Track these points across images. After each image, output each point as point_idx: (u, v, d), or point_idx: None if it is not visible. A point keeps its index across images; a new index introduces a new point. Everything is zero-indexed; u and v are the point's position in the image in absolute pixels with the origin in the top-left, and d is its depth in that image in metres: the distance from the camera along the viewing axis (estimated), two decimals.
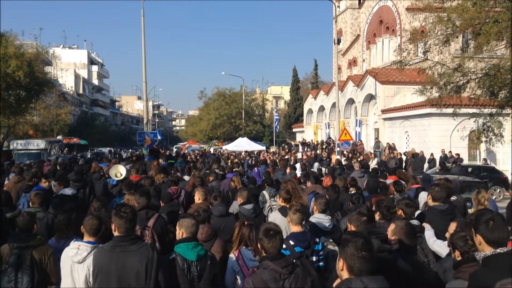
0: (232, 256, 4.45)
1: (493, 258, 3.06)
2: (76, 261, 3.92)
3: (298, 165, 16.55)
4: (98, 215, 4.40)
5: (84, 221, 4.16)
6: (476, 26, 14.04)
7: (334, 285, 2.92)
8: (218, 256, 4.54)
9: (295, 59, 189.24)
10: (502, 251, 3.06)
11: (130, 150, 49.59)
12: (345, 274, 2.79)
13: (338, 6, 43.83)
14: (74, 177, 8.82)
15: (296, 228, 4.52)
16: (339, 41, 34.04)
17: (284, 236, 3.90)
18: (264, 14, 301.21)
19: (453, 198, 7.22)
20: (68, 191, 7.81)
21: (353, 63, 44.70)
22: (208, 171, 12.50)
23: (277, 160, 19.12)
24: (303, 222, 4.62)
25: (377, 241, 3.65)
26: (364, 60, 41.94)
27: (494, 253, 3.07)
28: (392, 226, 3.96)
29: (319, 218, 5.16)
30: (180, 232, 4.00)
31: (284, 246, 3.78)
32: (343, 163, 18.33)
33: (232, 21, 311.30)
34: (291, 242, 4.19)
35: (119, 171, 10.35)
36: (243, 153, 31.45)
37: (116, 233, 3.82)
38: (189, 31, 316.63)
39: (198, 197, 6.79)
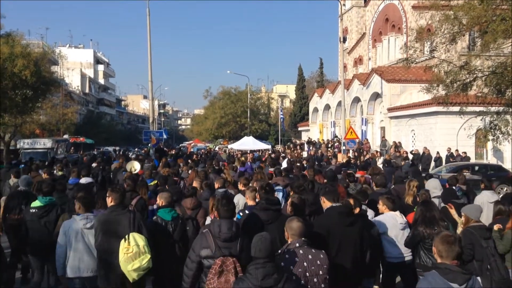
0: (209, 218, 6.52)
1: (328, 209, 5.04)
2: (89, 227, 5.49)
3: (284, 162, 17.97)
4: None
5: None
6: (483, 24, 13.94)
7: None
8: (202, 220, 6.71)
9: (301, 58, 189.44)
10: (334, 205, 4.99)
11: (136, 149, 49.75)
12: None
13: (344, 5, 43.71)
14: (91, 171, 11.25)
15: (250, 202, 6.05)
16: (344, 40, 33.96)
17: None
18: (270, 13, 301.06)
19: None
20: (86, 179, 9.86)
21: (359, 61, 44.57)
22: (205, 166, 14.27)
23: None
24: (256, 200, 6.08)
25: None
26: (370, 59, 41.81)
27: (328, 207, 5.04)
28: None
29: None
30: (161, 202, 5.85)
31: (241, 214, 5.71)
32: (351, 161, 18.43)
33: (237, 20, 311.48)
34: (246, 211, 5.69)
35: (134, 166, 13.00)
36: (248, 153, 31.47)
37: (111, 203, 5.45)
38: (195, 30, 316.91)
39: (195, 185, 8.72)
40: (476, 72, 15.45)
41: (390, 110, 29.85)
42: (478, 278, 4.14)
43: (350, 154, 24.17)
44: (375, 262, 5.79)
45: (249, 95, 56.91)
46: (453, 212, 6.50)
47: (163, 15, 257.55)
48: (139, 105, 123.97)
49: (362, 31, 44.05)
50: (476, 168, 20.37)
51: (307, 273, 3.94)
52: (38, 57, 27.50)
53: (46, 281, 6.85)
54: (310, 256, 3.99)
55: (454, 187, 8.44)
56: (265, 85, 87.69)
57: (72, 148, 34.77)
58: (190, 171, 12.08)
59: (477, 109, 18.80)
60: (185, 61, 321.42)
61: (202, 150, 35.82)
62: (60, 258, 5.55)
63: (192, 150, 40.53)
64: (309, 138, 40.14)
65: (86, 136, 44.43)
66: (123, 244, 4.99)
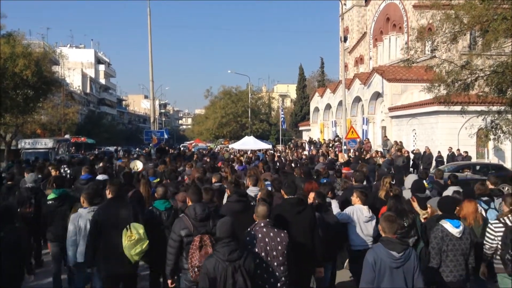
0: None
1: (283, 200, 6.03)
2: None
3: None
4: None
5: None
6: (484, 23, 13.94)
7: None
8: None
9: (302, 58, 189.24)
10: (288, 197, 5.86)
11: (137, 149, 49.77)
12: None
13: (345, 4, 43.67)
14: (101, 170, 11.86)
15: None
16: (345, 39, 33.94)
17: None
18: (271, 13, 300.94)
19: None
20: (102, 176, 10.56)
21: (359, 61, 44.55)
22: (204, 165, 15.12)
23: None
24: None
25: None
26: (371, 58, 41.79)
27: (284, 199, 6.00)
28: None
29: (252, 190, 8.01)
30: (158, 194, 6.88)
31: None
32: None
33: (238, 20, 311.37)
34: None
35: (136, 165, 14.24)
36: (249, 153, 31.50)
37: (109, 196, 6.20)
38: (195, 30, 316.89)
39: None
40: (477, 71, 15.46)
41: (391, 109, 29.83)
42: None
43: (351, 154, 24.13)
44: (332, 247, 6.45)
45: (250, 94, 56.91)
46: (415, 204, 6.99)
47: (164, 15, 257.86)
48: (140, 105, 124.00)
49: (363, 31, 44.02)
50: (477, 167, 20.34)
51: (268, 247, 4.82)
52: (39, 57, 27.52)
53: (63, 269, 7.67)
54: (271, 234, 4.89)
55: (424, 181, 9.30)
56: (266, 85, 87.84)
57: (73, 148, 34.80)
58: (192, 169, 12.89)
59: (478, 108, 18.79)
60: (186, 61, 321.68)
61: (200, 150, 35.81)
62: (70, 247, 6.37)
63: (193, 150, 40.56)
64: (310, 138, 40.12)
65: (87, 136, 44.55)
66: (126, 233, 5.77)
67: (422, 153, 23.70)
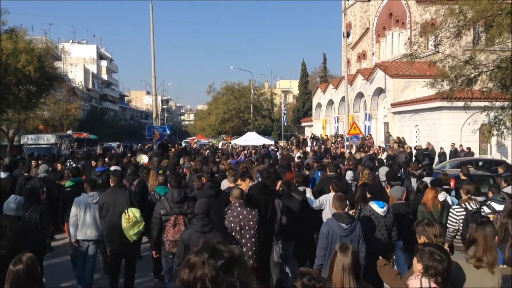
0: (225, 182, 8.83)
1: (253, 185, 7.24)
2: (94, 202, 7.30)
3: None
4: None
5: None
6: (489, 18, 13.88)
7: None
8: None
9: (304, 53, 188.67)
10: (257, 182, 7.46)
11: (139, 144, 49.76)
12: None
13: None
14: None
15: (231, 184, 7.93)
16: (348, 35, 33.86)
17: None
18: (273, 8, 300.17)
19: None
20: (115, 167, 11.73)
21: (362, 56, 44.41)
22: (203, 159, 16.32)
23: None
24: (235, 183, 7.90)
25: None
26: (373, 54, 41.65)
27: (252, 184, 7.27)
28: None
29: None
30: (159, 181, 8.19)
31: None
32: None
33: (241, 16, 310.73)
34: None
35: (142, 158, 16.04)
36: (250, 148, 31.77)
37: (112, 184, 7.37)
38: (198, 26, 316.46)
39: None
40: (480, 67, 15.38)
41: (393, 105, 29.74)
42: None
43: (353, 149, 24.11)
44: (294, 229, 7.28)
45: (252, 90, 56.81)
46: (388, 191, 7.86)
47: (167, 10, 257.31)
48: (142, 100, 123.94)
49: (366, 26, 43.86)
50: (480, 163, 20.27)
51: (242, 223, 5.87)
52: (42, 53, 27.46)
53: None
54: (244, 212, 5.96)
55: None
56: (268, 81, 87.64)
57: (76, 143, 34.79)
58: (190, 162, 14.34)
59: (482, 104, 18.69)
60: (188, 57, 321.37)
61: (198, 146, 35.92)
62: (72, 226, 7.32)
63: (195, 145, 40.58)
64: (312, 133, 40.06)
65: (89, 131, 44.47)
66: (124, 216, 6.72)
67: (424, 148, 23.64)
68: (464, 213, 6.52)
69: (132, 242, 6.93)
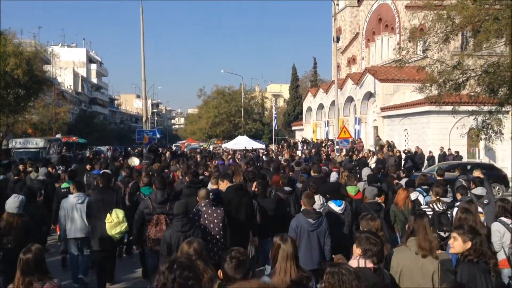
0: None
1: (228, 187, 7.54)
2: (80, 202, 7.73)
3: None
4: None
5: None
6: (476, 23, 14.03)
7: None
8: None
9: (295, 57, 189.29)
10: (231, 184, 7.71)
11: (129, 148, 49.48)
12: None
13: (337, 4, 43.77)
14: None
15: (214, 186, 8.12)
16: (338, 39, 33.96)
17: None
18: (263, 13, 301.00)
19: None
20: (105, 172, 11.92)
21: (352, 61, 44.67)
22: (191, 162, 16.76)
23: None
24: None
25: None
26: (363, 58, 41.92)
27: (228, 186, 7.65)
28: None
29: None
30: (143, 182, 8.69)
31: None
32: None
33: (231, 20, 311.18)
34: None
35: (133, 161, 16.67)
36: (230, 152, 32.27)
37: (100, 185, 7.93)
38: (188, 29, 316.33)
39: (179, 174, 11.67)
40: (468, 71, 15.53)
41: (383, 109, 29.95)
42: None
43: (343, 153, 24.22)
44: (269, 227, 7.50)
45: (243, 94, 56.87)
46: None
47: (157, 14, 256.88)
48: (132, 104, 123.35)
49: (356, 31, 44.15)
50: (469, 167, 20.44)
51: (206, 221, 6.31)
52: (31, 56, 27.33)
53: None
54: (209, 211, 6.39)
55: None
56: (259, 85, 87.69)
57: (65, 147, 34.51)
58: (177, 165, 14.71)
59: (470, 108, 18.85)
60: (178, 60, 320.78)
61: (189, 150, 35.92)
62: (61, 225, 7.81)
63: (185, 149, 40.48)
64: (303, 137, 40.18)
65: (78, 135, 44.08)
66: (108, 217, 7.16)
67: (413, 152, 23.81)
68: (431, 213, 6.96)
69: (115, 240, 7.48)
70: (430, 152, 23.86)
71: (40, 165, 13.93)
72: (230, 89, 61.02)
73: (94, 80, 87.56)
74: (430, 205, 7.20)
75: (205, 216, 6.33)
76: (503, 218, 6.23)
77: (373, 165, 18.06)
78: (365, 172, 10.80)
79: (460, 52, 18.45)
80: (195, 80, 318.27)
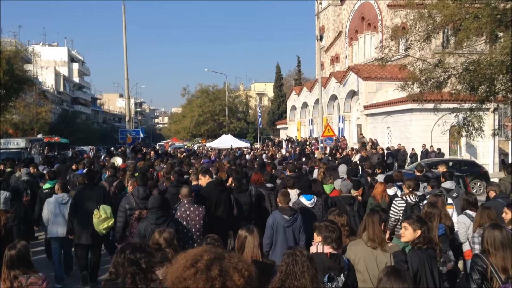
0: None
1: (208, 182, 7.98)
2: (64, 203, 8.01)
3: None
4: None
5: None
6: (457, 22, 14.23)
7: None
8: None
9: (278, 56, 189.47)
10: (211, 180, 8.08)
11: (112, 148, 49.04)
12: None
13: (320, 3, 43.92)
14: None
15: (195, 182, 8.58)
16: (321, 38, 34.08)
17: None
18: (247, 11, 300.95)
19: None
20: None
21: (335, 59, 44.91)
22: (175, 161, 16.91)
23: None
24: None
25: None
26: (346, 57, 42.17)
27: (208, 181, 8.05)
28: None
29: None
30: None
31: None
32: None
33: (215, 18, 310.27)
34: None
35: (116, 161, 16.72)
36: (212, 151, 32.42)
37: (85, 183, 8.28)
38: (172, 28, 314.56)
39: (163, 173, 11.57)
40: (449, 69, 15.74)
41: (366, 107, 30.17)
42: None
43: (327, 151, 24.34)
44: (246, 221, 7.73)
45: (227, 93, 56.72)
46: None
47: (139, 12, 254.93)
48: (115, 103, 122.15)
49: (339, 30, 44.39)
50: (450, 163, 20.74)
51: (188, 218, 6.54)
52: (11, 55, 26.92)
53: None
54: (192, 208, 6.62)
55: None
56: (243, 83, 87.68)
57: (47, 147, 34.03)
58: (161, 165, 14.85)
59: (451, 106, 19.13)
60: (162, 59, 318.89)
61: (173, 149, 35.80)
62: (45, 224, 8.10)
63: (169, 148, 40.26)
64: (287, 136, 40.28)
65: (60, 135, 43.50)
66: (96, 212, 7.38)
67: (396, 150, 24.06)
68: (404, 205, 7.28)
69: (101, 235, 7.68)
70: (413, 149, 24.11)
71: (22, 166, 13.95)
72: (214, 88, 60.84)
73: (76, 79, 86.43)
74: (403, 197, 7.47)
75: (188, 213, 6.57)
76: (468, 211, 6.59)
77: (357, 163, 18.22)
78: (342, 169, 11.20)
79: (441, 50, 18.70)
80: (179, 79, 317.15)
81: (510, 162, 18.85)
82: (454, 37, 15.30)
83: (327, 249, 4.13)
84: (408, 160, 23.45)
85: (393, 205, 7.46)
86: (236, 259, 1.91)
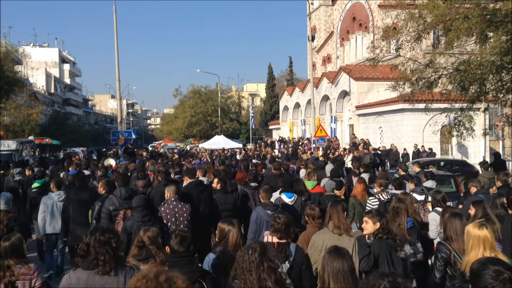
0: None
1: (188, 183, 8.21)
2: (60, 200, 8.40)
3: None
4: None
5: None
6: (447, 22, 14.29)
7: None
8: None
9: (271, 57, 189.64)
10: (192, 180, 8.17)
11: (104, 149, 48.81)
12: None
13: (312, 3, 44.02)
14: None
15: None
16: (313, 38, 34.19)
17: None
18: (239, 12, 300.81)
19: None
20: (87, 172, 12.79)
21: (327, 60, 45.03)
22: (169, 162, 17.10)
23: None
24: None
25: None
26: (338, 57, 42.28)
27: (189, 181, 8.25)
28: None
29: (202, 179, 9.55)
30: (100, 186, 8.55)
31: None
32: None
33: (207, 19, 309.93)
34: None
35: (110, 163, 16.97)
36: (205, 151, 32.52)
37: (77, 184, 8.72)
38: (163, 28, 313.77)
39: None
40: (440, 69, 15.82)
41: (358, 107, 30.27)
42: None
43: (320, 152, 24.40)
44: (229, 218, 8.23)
45: (219, 93, 56.66)
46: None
47: (131, 13, 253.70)
48: (107, 104, 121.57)
49: (330, 30, 44.50)
50: (442, 163, 20.87)
51: (176, 214, 6.80)
52: (1, 57, 26.69)
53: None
54: (179, 206, 6.89)
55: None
56: (236, 84, 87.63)
57: (38, 149, 33.81)
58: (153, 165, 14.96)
59: (442, 106, 19.21)
60: (153, 60, 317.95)
61: (165, 150, 35.76)
62: (41, 222, 8.40)
63: (162, 149, 40.15)
64: (280, 136, 40.30)
65: (52, 137, 43.32)
66: (90, 212, 7.63)
67: (388, 150, 24.16)
68: (377, 202, 7.66)
69: None
70: (405, 149, 24.23)
71: (13, 166, 14.12)
72: (207, 88, 60.77)
73: (67, 80, 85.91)
74: (376, 196, 7.86)
75: (176, 210, 6.83)
76: (438, 208, 6.97)
77: (349, 163, 18.29)
78: (328, 168, 11.55)
79: (432, 50, 18.80)
80: (170, 80, 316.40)
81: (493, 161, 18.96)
82: (444, 37, 15.35)
83: (275, 239, 4.63)
84: (400, 160, 23.55)
85: (367, 203, 7.89)
86: (177, 273, 2.43)
